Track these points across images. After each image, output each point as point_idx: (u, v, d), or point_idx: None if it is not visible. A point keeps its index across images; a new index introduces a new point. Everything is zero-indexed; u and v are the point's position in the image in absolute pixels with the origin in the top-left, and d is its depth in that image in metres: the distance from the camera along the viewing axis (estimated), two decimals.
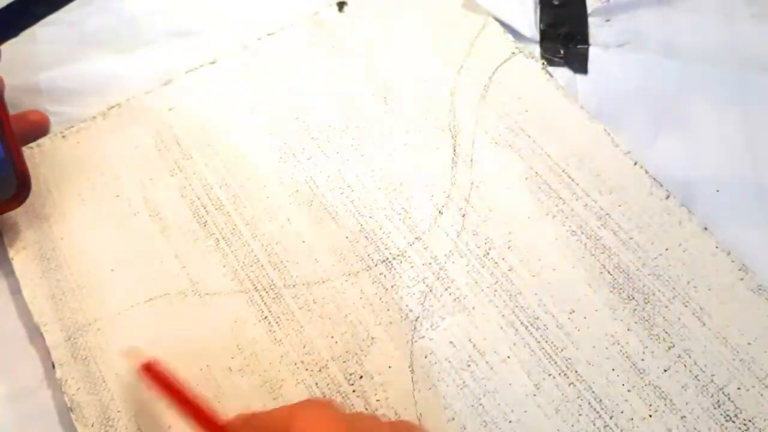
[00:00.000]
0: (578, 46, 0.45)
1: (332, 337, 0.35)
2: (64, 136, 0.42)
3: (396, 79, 0.43)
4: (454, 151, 0.41)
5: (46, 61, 0.45)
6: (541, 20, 0.46)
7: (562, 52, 0.45)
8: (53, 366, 0.35)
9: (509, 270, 0.36)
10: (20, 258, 0.38)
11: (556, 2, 0.47)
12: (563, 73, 0.44)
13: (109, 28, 0.47)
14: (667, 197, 0.38)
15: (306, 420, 0.26)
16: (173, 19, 0.47)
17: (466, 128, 0.41)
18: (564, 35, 0.46)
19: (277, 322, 0.35)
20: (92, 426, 0.33)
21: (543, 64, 0.43)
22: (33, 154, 0.41)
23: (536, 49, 0.45)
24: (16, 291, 0.37)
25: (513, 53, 0.44)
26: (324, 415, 0.26)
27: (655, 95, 0.43)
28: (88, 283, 0.37)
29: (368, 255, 0.37)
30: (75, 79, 0.45)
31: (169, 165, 0.41)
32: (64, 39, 0.46)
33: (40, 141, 0.41)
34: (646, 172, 0.39)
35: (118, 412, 0.33)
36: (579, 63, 0.45)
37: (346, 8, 0.47)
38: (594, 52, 0.45)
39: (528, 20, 0.46)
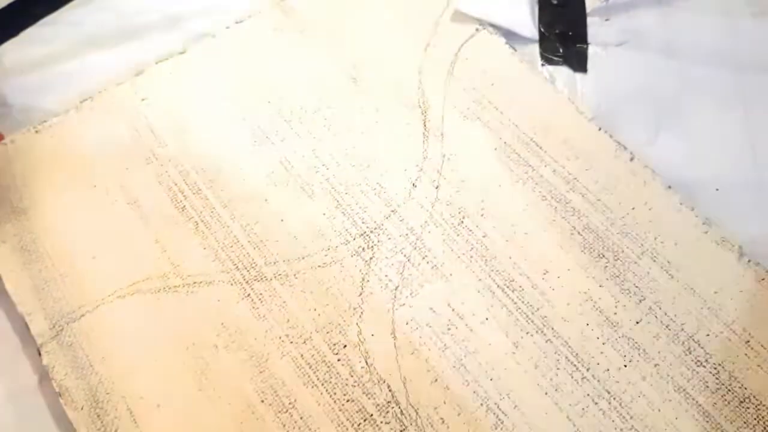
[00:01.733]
0: (577, 45, 0.45)
1: (315, 309, 0.36)
2: (37, 131, 0.42)
3: (364, 60, 0.44)
4: (425, 126, 0.42)
5: (15, 57, 0.46)
6: (540, 20, 0.46)
7: (561, 51, 0.45)
8: (39, 353, 0.35)
9: (483, 236, 0.37)
10: (0, 252, 0.38)
11: (555, 2, 0.47)
12: (563, 72, 0.44)
13: (77, 21, 0.47)
14: (632, 159, 0.39)
15: None
16: (140, 11, 0.47)
17: (435, 104, 0.42)
18: (563, 34, 0.45)
19: (260, 299, 0.36)
20: (82, 409, 0.33)
21: (508, 45, 0.44)
22: (7, 150, 0.41)
23: (536, 49, 0.45)
24: None
25: (477, 30, 0.45)
26: None
27: (655, 94, 0.43)
28: (70, 271, 0.37)
29: (346, 230, 0.38)
30: (45, 75, 0.45)
31: (144, 153, 0.41)
32: (36, 35, 0.47)
33: (14, 137, 0.42)
34: (611, 136, 0.40)
35: (107, 394, 0.34)
36: (578, 62, 0.44)
37: None
38: (593, 52, 0.45)
39: (527, 20, 0.46)
